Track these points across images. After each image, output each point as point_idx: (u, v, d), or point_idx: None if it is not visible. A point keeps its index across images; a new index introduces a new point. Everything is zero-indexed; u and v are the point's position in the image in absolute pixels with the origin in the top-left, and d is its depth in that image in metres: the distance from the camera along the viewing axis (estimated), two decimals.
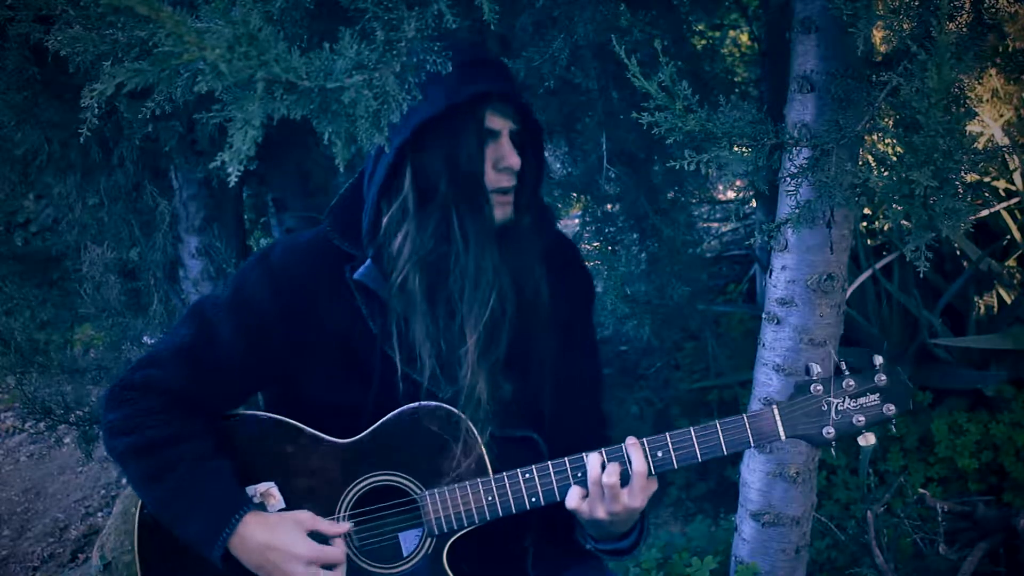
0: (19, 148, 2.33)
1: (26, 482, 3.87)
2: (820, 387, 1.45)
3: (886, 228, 3.26)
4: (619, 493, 1.41)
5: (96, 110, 1.31)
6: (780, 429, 1.44)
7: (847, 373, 1.45)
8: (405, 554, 1.53)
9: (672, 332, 3.16)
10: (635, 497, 1.43)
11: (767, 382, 1.97)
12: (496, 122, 1.46)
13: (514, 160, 1.47)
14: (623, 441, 1.45)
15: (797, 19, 1.75)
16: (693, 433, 1.45)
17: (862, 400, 1.44)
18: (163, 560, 1.53)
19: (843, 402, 1.44)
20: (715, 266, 4.37)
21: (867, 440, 1.43)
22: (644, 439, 1.45)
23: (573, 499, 1.44)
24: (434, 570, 1.50)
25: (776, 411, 1.45)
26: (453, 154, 1.43)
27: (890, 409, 1.44)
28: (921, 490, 2.51)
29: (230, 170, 1.12)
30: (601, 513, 1.43)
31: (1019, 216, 3.10)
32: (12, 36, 1.94)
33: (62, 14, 1.37)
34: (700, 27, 3.44)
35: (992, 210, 3.02)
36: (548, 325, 1.56)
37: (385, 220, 1.47)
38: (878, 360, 1.45)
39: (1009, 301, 2.96)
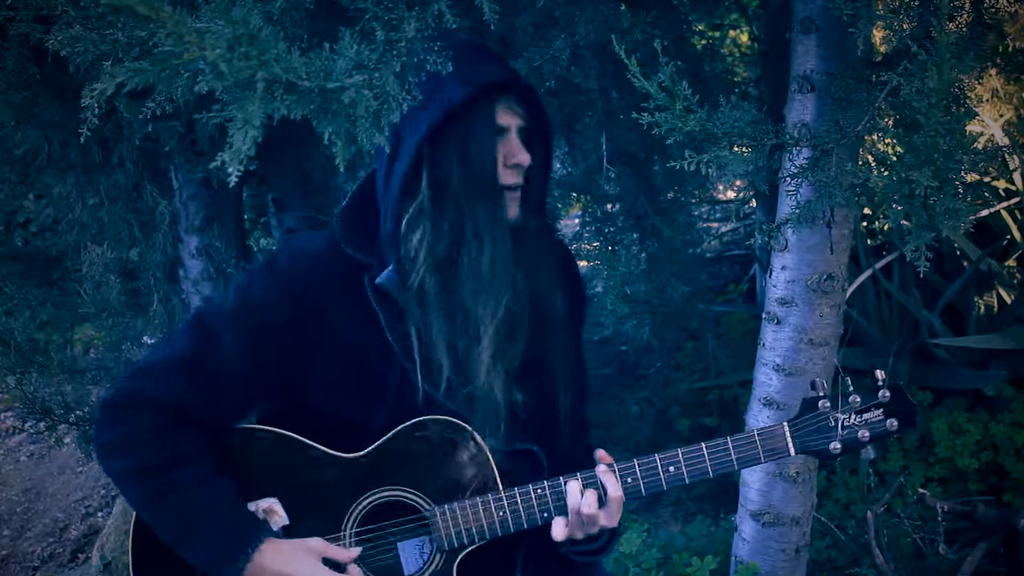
0: (19, 148, 2.33)
1: (26, 482, 3.87)
2: (828, 403, 1.46)
3: (886, 228, 3.26)
4: (597, 516, 1.44)
5: (96, 110, 1.30)
6: (791, 446, 1.46)
7: (852, 389, 1.47)
8: (413, 570, 1.49)
9: (672, 332, 3.16)
10: (612, 518, 1.46)
11: (767, 382, 1.97)
12: (505, 118, 1.43)
13: (523, 156, 1.44)
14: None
15: (797, 19, 1.75)
16: (705, 449, 1.45)
17: (867, 416, 1.46)
18: (157, 563, 1.49)
19: (849, 417, 1.46)
20: (715, 266, 4.38)
21: (868, 453, 1.45)
22: (637, 459, 1.46)
23: (559, 530, 1.45)
24: None
25: (787, 428, 1.46)
26: (465, 149, 1.39)
27: (893, 425, 1.46)
28: (921, 490, 2.51)
29: (230, 170, 1.12)
30: (579, 535, 1.46)
31: (1019, 216, 3.10)
32: (12, 36, 1.93)
33: (62, 14, 1.37)
34: (700, 27, 3.43)
35: (992, 210, 3.03)
36: (563, 331, 1.54)
37: (404, 222, 1.43)
38: (880, 375, 1.47)
39: (1009, 301, 2.96)
